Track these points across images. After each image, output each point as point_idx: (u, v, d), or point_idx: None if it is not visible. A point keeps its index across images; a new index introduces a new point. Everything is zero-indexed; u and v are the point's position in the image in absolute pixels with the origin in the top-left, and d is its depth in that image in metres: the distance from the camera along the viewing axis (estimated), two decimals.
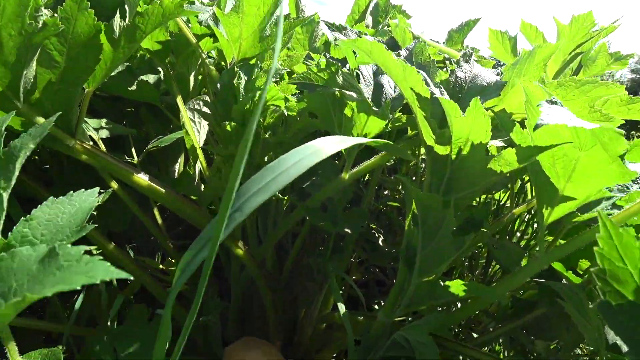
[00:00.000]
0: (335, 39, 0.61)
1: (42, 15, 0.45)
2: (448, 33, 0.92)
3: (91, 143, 0.54)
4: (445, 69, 0.99)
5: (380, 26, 0.90)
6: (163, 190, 0.51)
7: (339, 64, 0.47)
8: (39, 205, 0.32)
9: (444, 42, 0.93)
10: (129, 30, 0.49)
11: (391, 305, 0.55)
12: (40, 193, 0.63)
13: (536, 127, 0.29)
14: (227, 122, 0.47)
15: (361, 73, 0.64)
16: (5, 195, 0.32)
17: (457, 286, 0.48)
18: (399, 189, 0.93)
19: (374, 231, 0.99)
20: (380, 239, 0.99)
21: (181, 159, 0.94)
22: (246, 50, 0.58)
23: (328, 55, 0.67)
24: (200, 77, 0.88)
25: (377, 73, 0.64)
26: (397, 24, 0.81)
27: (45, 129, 0.34)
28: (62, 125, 0.51)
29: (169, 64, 0.76)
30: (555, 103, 0.32)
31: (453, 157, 0.45)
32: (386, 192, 1.11)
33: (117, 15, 0.51)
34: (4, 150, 0.34)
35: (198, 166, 0.70)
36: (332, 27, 0.54)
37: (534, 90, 0.39)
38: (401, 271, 0.54)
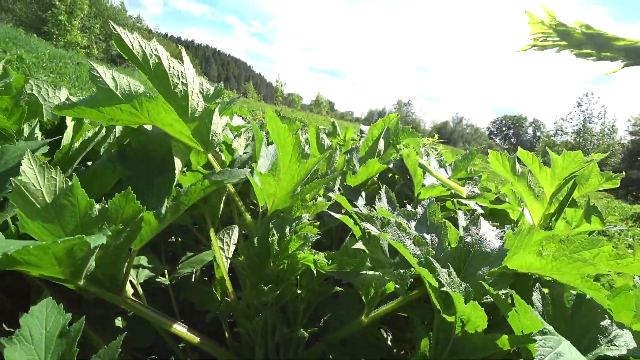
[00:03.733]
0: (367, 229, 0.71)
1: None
2: (454, 163, 1.02)
3: (132, 291, 0.61)
4: (451, 201, 1.07)
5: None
6: (197, 339, 0.58)
7: (365, 253, 0.56)
8: None
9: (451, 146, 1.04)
10: (173, 207, 0.57)
11: None
12: None
13: None
14: (262, 285, 0.54)
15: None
16: None
17: None
18: None
19: None
20: None
21: (197, 268, 1.02)
22: (279, 203, 0.67)
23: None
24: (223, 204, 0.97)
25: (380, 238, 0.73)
26: (408, 155, 0.92)
27: None
28: (110, 286, 0.59)
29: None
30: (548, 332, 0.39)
31: (457, 330, 0.51)
32: None
33: (165, 203, 0.59)
34: None
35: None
36: (362, 217, 0.62)
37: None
38: None
